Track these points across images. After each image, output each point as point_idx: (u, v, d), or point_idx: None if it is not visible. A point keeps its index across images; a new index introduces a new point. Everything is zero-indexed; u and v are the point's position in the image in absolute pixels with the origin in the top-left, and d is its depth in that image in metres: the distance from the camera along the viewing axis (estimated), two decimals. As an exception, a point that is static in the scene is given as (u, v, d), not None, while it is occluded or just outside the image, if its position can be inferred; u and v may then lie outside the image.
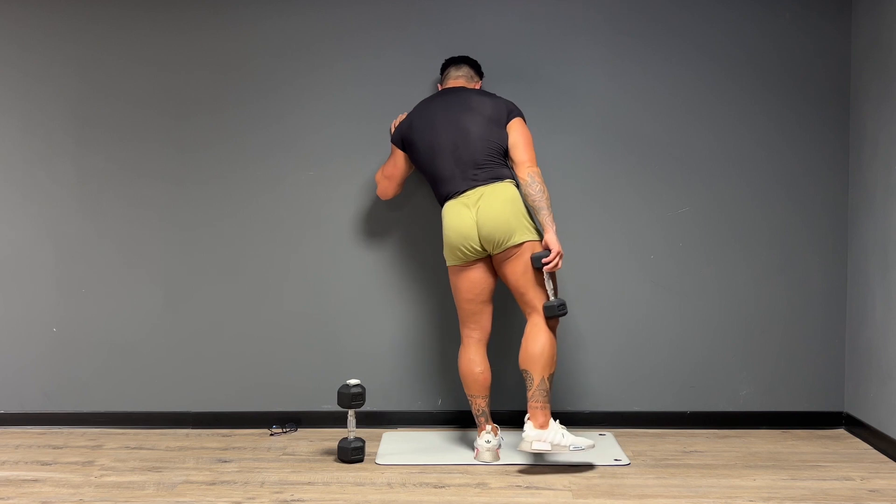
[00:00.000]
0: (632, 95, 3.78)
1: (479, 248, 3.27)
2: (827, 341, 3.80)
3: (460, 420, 3.83)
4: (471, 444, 3.51)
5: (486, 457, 3.32)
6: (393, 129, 3.54)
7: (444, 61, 3.61)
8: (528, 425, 3.19)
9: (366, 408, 3.75)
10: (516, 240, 3.23)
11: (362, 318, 3.85)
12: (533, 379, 3.21)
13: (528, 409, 3.22)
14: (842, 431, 3.78)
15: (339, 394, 3.37)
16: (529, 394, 3.22)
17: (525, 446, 3.17)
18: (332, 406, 3.77)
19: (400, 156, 3.49)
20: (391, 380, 3.85)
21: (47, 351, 3.90)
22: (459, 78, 3.53)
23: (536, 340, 3.23)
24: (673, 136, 3.78)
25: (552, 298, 3.26)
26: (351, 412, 3.40)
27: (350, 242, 3.84)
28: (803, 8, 3.75)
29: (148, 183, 3.86)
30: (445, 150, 3.32)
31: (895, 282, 3.36)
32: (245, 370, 3.87)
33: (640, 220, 3.80)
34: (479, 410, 3.40)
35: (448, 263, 3.38)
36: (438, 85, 3.63)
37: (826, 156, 3.78)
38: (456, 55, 3.66)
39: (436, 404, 3.86)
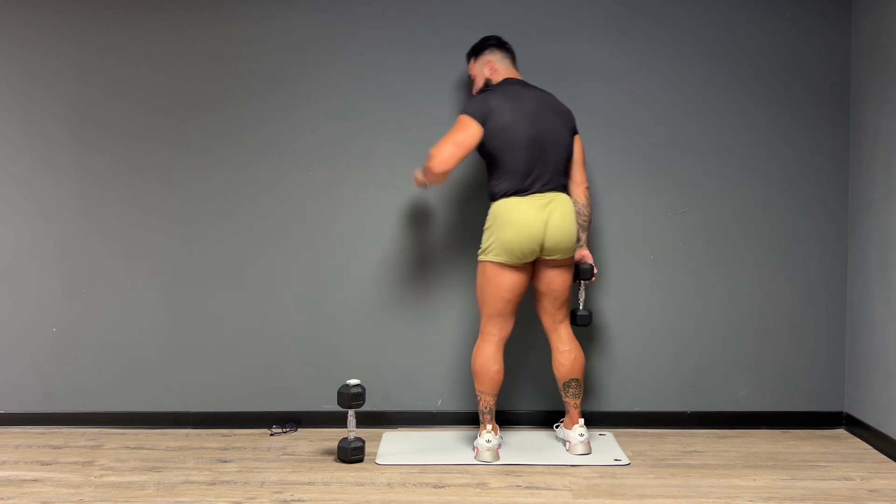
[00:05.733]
0: (632, 95, 3.78)
1: (538, 251, 3.28)
2: (827, 341, 3.80)
3: (460, 420, 3.84)
4: (471, 444, 3.51)
5: (487, 456, 3.33)
6: (471, 105, 3.33)
7: (484, 40, 3.48)
8: (582, 428, 3.43)
9: (366, 408, 3.75)
10: (572, 251, 3.38)
11: (362, 319, 3.85)
12: (581, 385, 3.47)
13: (575, 416, 3.46)
14: (842, 431, 3.78)
15: (339, 394, 3.37)
16: (579, 400, 3.47)
17: (586, 447, 3.42)
18: (332, 406, 3.76)
19: (478, 130, 3.29)
20: (391, 380, 3.85)
21: (47, 351, 3.90)
22: (515, 69, 3.49)
23: (580, 351, 3.46)
24: (673, 136, 3.78)
25: (582, 308, 3.55)
26: (351, 412, 3.40)
27: (350, 242, 3.84)
28: (803, 8, 3.75)
29: (148, 183, 3.86)
30: (531, 145, 3.28)
31: (895, 282, 3.36)
32: (245, 370, 3.87)
33: (641, 220, 3.80)
34: (486, 407, 3.40)
35: (496, 260, 3.30)
36: (489, 65, 3.44)
37: (826, 156, 3.78)
38: (490, 37, 3.53)
39: (436, 404, 3.86)
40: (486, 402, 3.40)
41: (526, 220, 3.24)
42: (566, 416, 3.50)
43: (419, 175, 3.39)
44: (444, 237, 3.79)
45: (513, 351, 3.73)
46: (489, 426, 3.39)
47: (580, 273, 3.49)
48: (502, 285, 3.33)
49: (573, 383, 3.44)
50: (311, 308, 3.85)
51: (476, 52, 3.51)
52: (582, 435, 3.41)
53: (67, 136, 3.86)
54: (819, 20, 3.75)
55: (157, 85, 3.84)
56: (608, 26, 3.77)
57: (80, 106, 3.85)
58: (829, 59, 3.76)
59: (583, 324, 3.52)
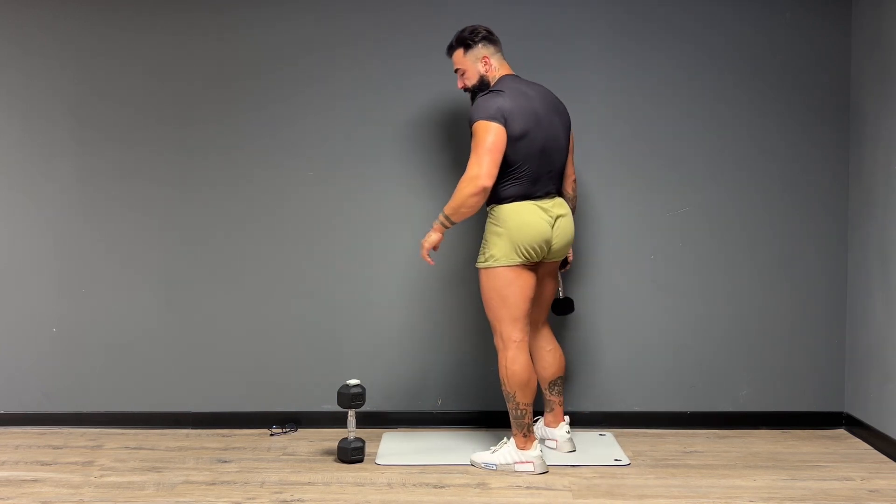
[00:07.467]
0: (632, 96, 3.78)
1: (545, 253, 3.22)
2: (827, 341, 3.80)
3: (460, 420, 3.84)
4: (470, 445, 3.51)
5: (544, 466, 3.22)
6: (484, 109, 3.09)
7: (473, 31, 3.24)
8: (567, 425, 3.48)
9: (366, 408, 3.75)
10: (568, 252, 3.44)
11: (362, 318, 3.85)
12: (563, 382, 3.54)
13: (559, 413, 3.50)
14: (842, 431, 3.78)
15: (339, 394, 3.37)
16: (562, 398, 3.51)
17: (572, 444, 3.46)
18: (332, 406, 3.76)
19: (504, 132, 3.08)
20: (391, 380, 3.85)
21: (47, 351, 3.90)
22: (507, 63, 3.31)
23: (560, 349, 3.51)
24: (672, 137, 3.78)
25: (563, 295, 3.59)
26: (351, 412, 3.40)
27: (350, 243, 3.84)
28: (803, 8, 3.75)
29: (148, 184, 3.85)
30: (541, 153, 3.17)
31: (895, 282, 3.36)
32: (245, 370, 3.87)
33: (641, 220, 3.80)
34: (530, 419, 3.21)
35: (511, 264, 3.14)
36: (484, 60, 3.23)
37: (826, 156, 3.78)
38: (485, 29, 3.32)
39: (436, 404, 3.86)
40: (530, 415, 3.21)
41: (537, 220, 3.15)
42: (549, 414, 3.49)
43: (434, 237, 3.20)
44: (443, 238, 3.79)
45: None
46: (537, 439, 3.28)
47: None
48: (523, 285, 3.17)
49: (559, 381, 3.47)
50: (311, 308, 3.85)
51: (465, 44, 3.24)
52: (568, 432, 3.44)
53: (67, 137, 3.86)
54: (819, 20, 3.75)
55: (156, 87, 3.84)
56: (607, 27, 3.76)
57: (80, 107, 3.85)
58: (829, 60, 3.75)
59: (569, 312, 3.55)
